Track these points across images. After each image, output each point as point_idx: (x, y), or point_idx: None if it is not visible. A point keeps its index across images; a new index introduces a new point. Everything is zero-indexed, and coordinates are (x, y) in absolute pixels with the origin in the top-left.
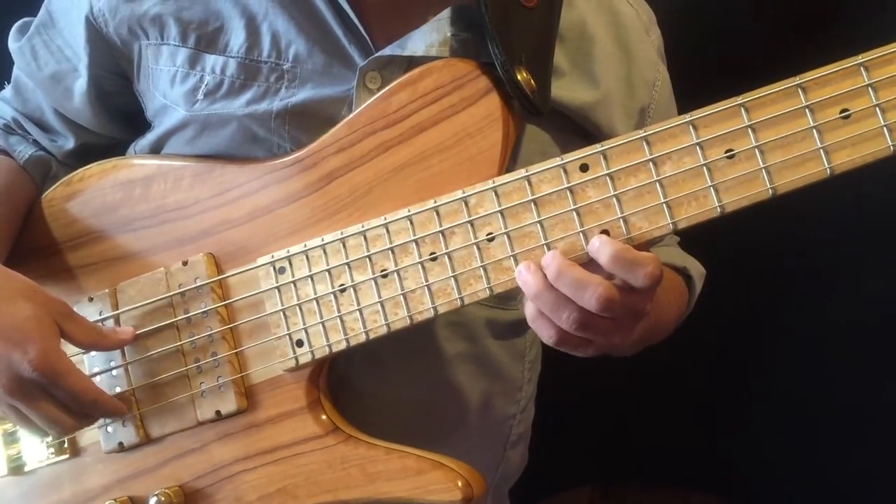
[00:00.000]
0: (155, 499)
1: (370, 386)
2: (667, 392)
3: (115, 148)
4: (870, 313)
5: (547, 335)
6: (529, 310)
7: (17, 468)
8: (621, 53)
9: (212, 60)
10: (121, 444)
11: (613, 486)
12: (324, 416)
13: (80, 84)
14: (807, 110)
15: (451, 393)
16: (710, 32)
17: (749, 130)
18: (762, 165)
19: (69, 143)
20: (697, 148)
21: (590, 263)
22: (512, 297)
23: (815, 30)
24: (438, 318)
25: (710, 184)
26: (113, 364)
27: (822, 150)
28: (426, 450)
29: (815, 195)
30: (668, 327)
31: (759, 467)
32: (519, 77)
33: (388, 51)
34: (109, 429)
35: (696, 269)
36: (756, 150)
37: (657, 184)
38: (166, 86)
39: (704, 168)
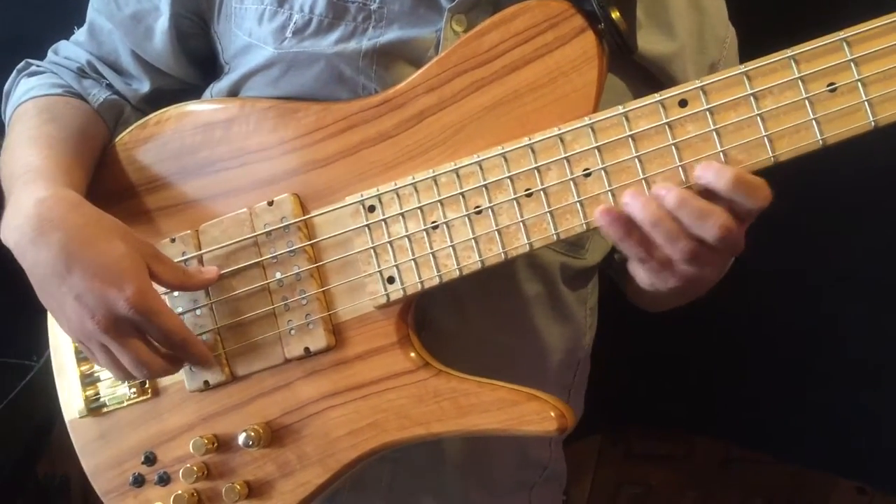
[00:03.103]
0: (244, 434)
1: (451, 326)
2: (673, 341)
3: (185, 94)
4: (865, 262)
5: (657, 264)
6: (634, 250)
7: (96, 409)
8: (693, 8)
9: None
10: (206, 382)
11: (622, 434)
12: (413, 353)
13: (162, 23)
14: None
15: (528, 334)
16: None
17: (851, 64)
18: (864, 98)
19: (144, 87)
20: (799, 82)
21: None
22: (582, 244)
23: None
24: (518, 260)
25: (812, 116)
26: (198, 304)
27: None
28: None
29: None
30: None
31: (762, 412)
32: (613, 15)
33: None
34: (194, 368)
35: None
36: (858, 83)
37: (758, 117)
38: (253, 24)
39: (806, 101)
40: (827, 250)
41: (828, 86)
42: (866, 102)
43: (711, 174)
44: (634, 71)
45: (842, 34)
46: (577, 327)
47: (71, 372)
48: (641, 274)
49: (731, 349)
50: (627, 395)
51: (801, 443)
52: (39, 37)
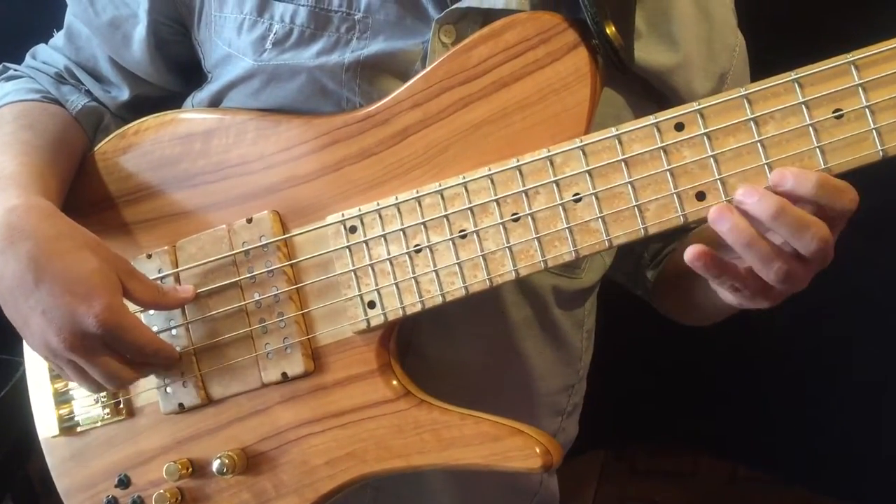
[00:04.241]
0: (218, 461)
1: (437, 351)
2: (680, 357)
3: (168, 101)
4: (873, 283)
5: (750, 292)
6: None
7: (69, 428)
8: (700, 15)
9: (281, 8)
10: (181, 405)
11: (625, 450)
12: (394, 381)
13: (140, 30)
14: None
15: (517, 359)
16: None
17: (860, 90)
18: (873, 126)
19: (123, 94)
20: (803, 107)
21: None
22: (577, 265)
23: None
24: (507, 284)
25: (815, 144)
26: (173, 323)
27: None
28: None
29: None
30: None
31: (770, 432)
32: (608, 31)
33: (465, 3)
34: (169, 390)
35: None
36: (866, 110)
37: (759, 144)
38: (232, 34)
39: (810, 128)
40: (841, 268)
41: (834, 112)
42: (875, 131)
43: (790, 179)
44: (634, 83)
45: (850, 56)
46: (572, 351)
47: (44, 390)
48: (730, 298)
49: (740, 367)
50: (632, 411)
51: (810, 466)
52: (18, 36)
